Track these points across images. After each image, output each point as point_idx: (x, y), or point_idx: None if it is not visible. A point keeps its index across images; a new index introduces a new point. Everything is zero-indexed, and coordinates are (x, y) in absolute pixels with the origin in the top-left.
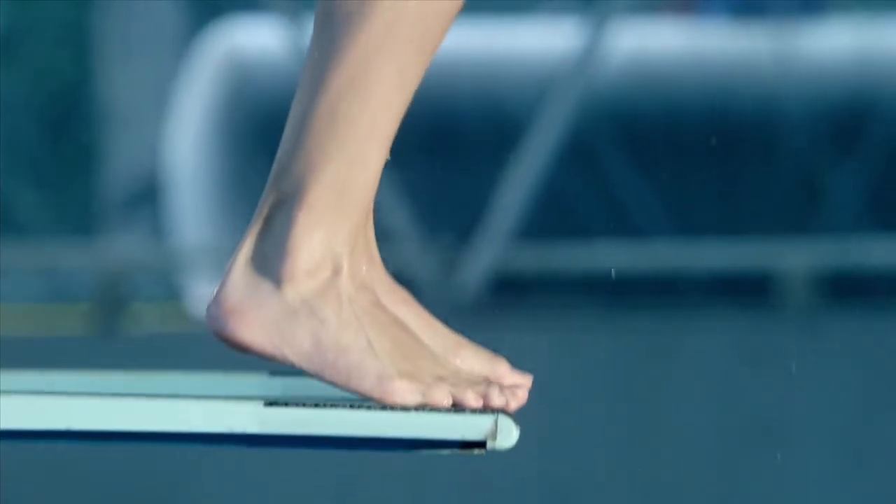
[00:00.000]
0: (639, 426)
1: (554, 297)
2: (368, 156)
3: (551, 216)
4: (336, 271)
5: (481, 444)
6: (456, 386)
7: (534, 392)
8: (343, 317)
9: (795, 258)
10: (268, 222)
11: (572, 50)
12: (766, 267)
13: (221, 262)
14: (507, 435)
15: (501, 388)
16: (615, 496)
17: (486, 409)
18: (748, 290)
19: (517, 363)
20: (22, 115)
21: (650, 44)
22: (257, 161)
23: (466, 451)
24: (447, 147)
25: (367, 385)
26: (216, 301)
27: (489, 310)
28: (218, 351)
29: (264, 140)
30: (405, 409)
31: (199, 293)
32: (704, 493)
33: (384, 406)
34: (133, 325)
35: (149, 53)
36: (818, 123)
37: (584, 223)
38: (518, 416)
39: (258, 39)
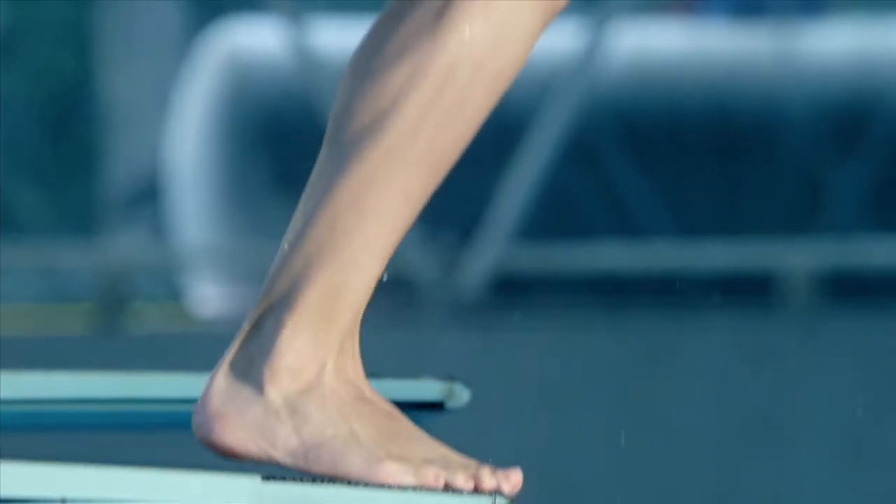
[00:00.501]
0: (639, 425)
1: (554, 297)
2: (364, 264)
3: (552, 216)
4: (320, 370)
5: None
6: (446, 468)
7: (534, 391)
8: (326, 411)
9: (797, 258)
10: (257, 326)
11: (574, 50)
12: (768, 267)
13: (221, 262)
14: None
15: (493, 470)
16: (616, 495)
17: (478, 491)
18: (749, 290)
19: (517, 362)
20: (22, 115)
21: (651, 44)
22: (257, 161)
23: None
24: None
25: (356, 471)
26: (200, 406)
27: (490, 309)
28: (218, 350)
29: (264, 140)
30: (401, 487)
31: (199, 293)
32: (705, 491)
33: (382, 485)
34: (133, 324)
35: (149, 53)
36: (819, 123)
37: (586, 223)
38: (516, 416)
39: (258, 40)
